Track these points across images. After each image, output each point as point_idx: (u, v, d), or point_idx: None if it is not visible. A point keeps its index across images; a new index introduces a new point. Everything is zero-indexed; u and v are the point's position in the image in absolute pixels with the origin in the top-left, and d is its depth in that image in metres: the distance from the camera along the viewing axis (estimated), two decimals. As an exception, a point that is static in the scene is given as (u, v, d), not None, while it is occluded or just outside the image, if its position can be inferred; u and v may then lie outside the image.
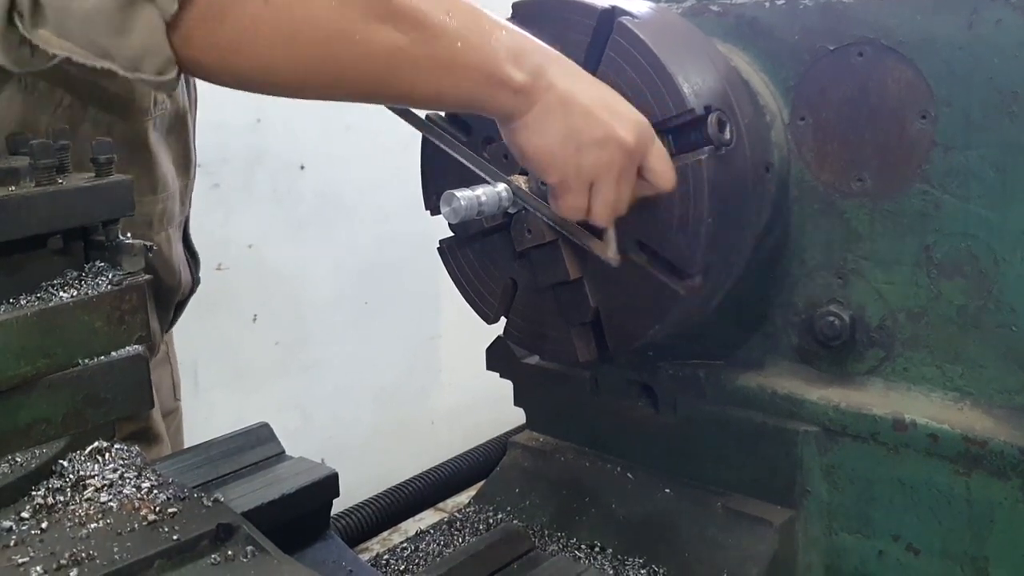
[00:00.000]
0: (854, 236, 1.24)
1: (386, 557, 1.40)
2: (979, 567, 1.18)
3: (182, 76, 0.90)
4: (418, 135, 1.40)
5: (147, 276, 0.88)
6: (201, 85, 1.55)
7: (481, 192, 1.07)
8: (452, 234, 1.34)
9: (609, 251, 1.10)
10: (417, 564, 1.37)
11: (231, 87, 0.93)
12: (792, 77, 1.24)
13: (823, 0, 1.21)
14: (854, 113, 1.20)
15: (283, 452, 1.17)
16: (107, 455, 0.84)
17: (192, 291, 1.55)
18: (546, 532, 1.41)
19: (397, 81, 0.93)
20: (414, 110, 1.15)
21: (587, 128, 0.99)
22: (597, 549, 1.35)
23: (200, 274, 1.57)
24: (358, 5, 0.88)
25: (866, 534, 1.25)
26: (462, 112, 1.20)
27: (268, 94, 0.94)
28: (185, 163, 1.45)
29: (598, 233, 1.11)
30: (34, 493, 0.79)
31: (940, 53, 1.13)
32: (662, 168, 1.05)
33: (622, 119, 1.01)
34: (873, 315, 1.24)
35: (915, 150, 1.17)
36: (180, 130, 1.41)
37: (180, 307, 1.55)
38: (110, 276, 0.86)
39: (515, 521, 1.43)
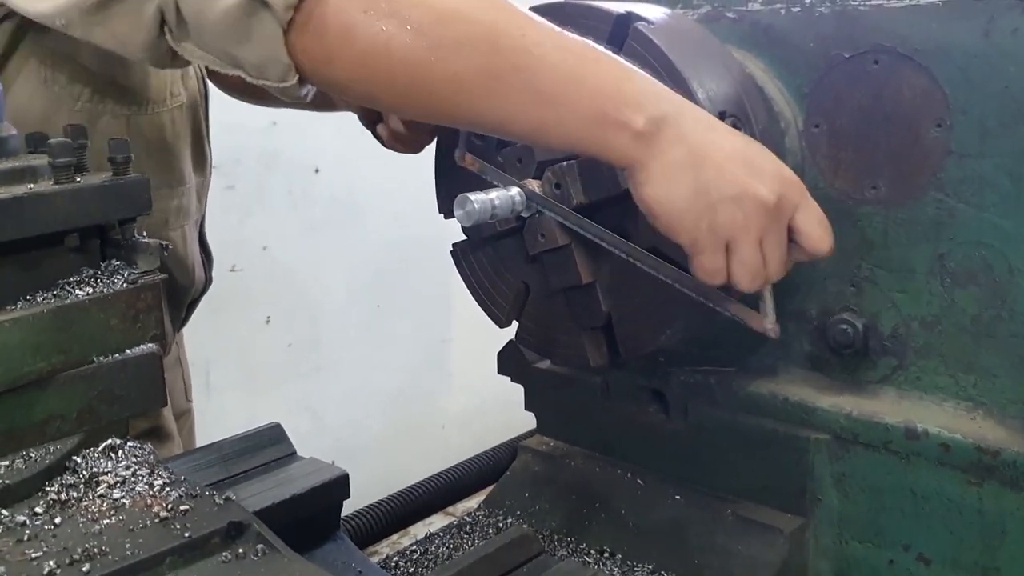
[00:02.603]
0: (868, 244, 1.23)
1: (395, 559, 1.40)
2: (990, 578, 1.17)
3: (303, 93, 0.95)
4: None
5: (162, 275, 0.89)
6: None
7: (495, 195, 1.07)
8: (465, 237, 1.34)
9: (767, 322, 1.02)
10: (426, 567, 1.37)
11: (342, 97, 0.98)
12: (807, 84, 1.24)
13: (839, 8, 1.20)
14: (869, 121, 1.20)
15: (294, 453, 1.17)
16: (120, 452, 0.85)
17: (204, 290, 1.56)
18: (555, 537, 1.41)
19: (492, 108, 0.91)
20: None
21: (720, 183, 0.92)
22: (606, 554, 1.35)
23: (213, 274, 1.58)
24: (457, 22, 0.88)
25: (877, 543, 1.24)
26: (575, 152, 1.10)
27: (374, 107, 0.97)
28: (201, 159, 1.46)
29: (753, 301, 1.03)
30: (48, 489, 0.80)
31: (956, 61, 1.13)
32: (814, 231, 0.97)
33: (762, 175, 0.94)
34: (886, 323, 1.24)
35: (930, 158, 1.17)
36: (196, 124, 1.42)
37: (192, 306, 1.56)
38: (126, 274, 0.87)
39: (524, 525, 1.42)
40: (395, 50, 0.87)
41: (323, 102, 1.50)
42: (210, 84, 1.52)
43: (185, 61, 0.96)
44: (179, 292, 1.46)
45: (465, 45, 0.88)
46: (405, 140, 1.36)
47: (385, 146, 1.40)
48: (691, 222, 0.93)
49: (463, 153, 1.19)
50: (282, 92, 0.93)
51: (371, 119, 1.40)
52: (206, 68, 1.41)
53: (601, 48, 0.96)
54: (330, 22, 0.87)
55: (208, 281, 1.56)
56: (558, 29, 0.94)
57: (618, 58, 0.96)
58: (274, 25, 0.87)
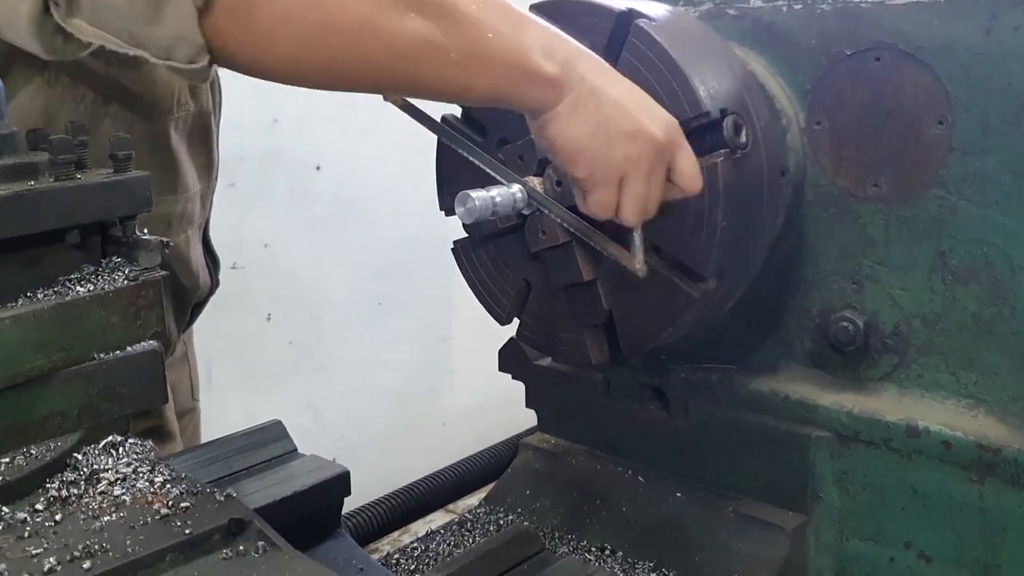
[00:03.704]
0: (869, 241, 1.23)
1: (396, 556, 1.40)
2: (991, 575, 1.17)
3: (211, 75, 0.90)
4: (434, 136, 1.41)
5: (163, 272, 0.89)
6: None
7: (496, 193, 1.07)
8: (466, 235, 1.34)
9: (636, 261, 1.08)
10: (427, 564, 1.37)
11: (260, 78, 0.93)
12: (809, 81, 1.24)
13: (840, 5, 1.20)
14: (871, 118, 1.20)
15: (295, 450, 1.17)
16: (121, 449, 0.85)
17: (211, 293, 1.55)
18: (556, 534, 1.41)
19: (426, 73, 0.92)
20: (429, 113, 1.15)
21: (618, 121, 0.98)
22: (607, 552, 1.35)
23: (219, 276, 1.57)
24: None
25: (878, 541, 1.24)
26: (491, 106, 1.16)
27: (296, 85, 0.94)
28: (207, 166, 1.45)
29: (623, 241, 1.09)
30: (48, 485, 0.80)
31: (958, 58, 1.13)
32: (690, 170, 1.04)
33: (652, 115, 1.00)
34: (887, 321, 1.24)
35: (932, 155, 1.17)
36: (203, 133, 1.41)
37: (198, 308, 1.55)
38: (127, 271, 0.87)
39: (525, 523, 1.42)
40: (335, 28, 0.86)
41: None
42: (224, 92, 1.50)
43: (79, 44, 0.87)
44: (183, 294, 1.46)
45: (398, 15, 0.87)
46: None
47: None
48: (590, 156, 0.99)
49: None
50: (187, 74, 0.87)
51: None
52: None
53: (508, 1, 0.96)
54: (261, 3, 0.84)
55: (215, 285, 1.55)
56: None
57: (522, 10, 0.98)
58: (188, 4, 0.82)
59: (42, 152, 0.87)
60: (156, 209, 0.89)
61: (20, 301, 0.80)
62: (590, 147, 0.98)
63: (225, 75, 1.50)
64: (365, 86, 0.96)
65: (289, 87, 0.96)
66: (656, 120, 1.00)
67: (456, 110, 1.29)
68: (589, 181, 1.01)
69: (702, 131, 1.10)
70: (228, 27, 0.85)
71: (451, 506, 1.83)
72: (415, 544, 1.43)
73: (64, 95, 1.19)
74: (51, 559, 0.70)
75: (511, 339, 1.49)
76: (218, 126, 1.48)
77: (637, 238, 1.07)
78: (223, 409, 2.46)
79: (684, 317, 1.17)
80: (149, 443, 0.87)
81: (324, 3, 0.85)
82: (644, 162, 0.99)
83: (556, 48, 0.96)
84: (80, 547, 0.72)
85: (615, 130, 0.98)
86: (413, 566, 1.37)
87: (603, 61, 1.02)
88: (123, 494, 0.80)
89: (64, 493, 0.79)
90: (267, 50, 0.87)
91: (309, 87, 0.97)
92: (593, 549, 1.36)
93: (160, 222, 1.33)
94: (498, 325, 1.36)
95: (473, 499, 1.81)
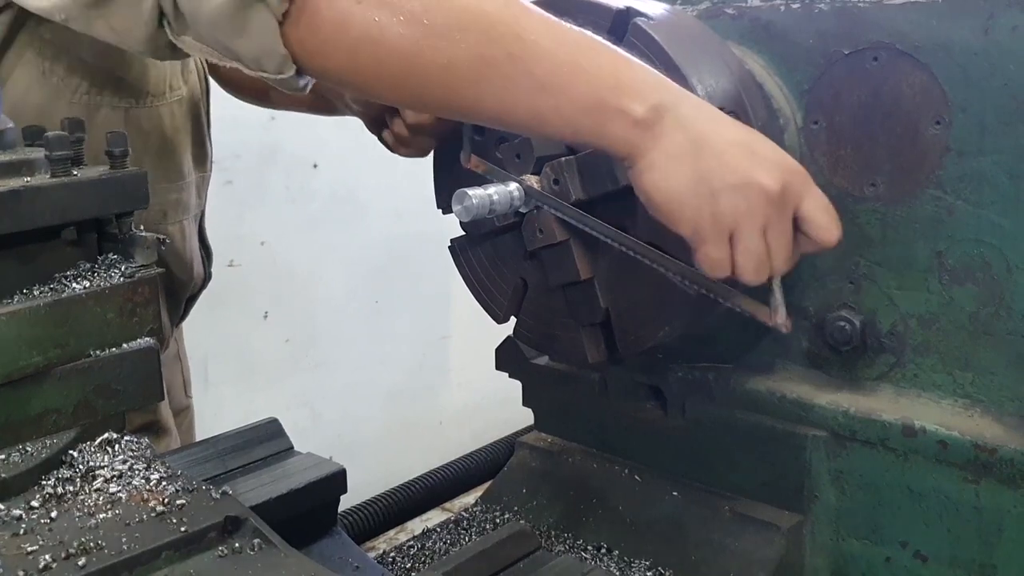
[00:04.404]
0: (866, 241, 1.23)
1: (392, 555, 1.40)
2: (987, 575, 1.17)
3: (305, 84, 0.96)
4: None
5: (160, 269, 0.89)
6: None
7: (493, 191, 1.07)
8: (463, 233, 1.34)
9: (778, 316, 1.00)
10: (423, 562, 1.37)
11: (334, 87, 0.99)
12: (806, 81, 1.24)
13: (838, 4, 1.20)
14: (868, 118, 1.20)
15: (291, 448, 1.17)
16: (117, 446, 0.85)
17: (203, 286, 1.56)
18: (553, 533, 1.41)
19: (487, 97, 0.91)
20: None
21: (721, 171, 0.91)
22: (604, 550, 1.35)
23: (212, 269, 1.58)
24: (450, 10, 0.88)
25: (874, 540, 1.25)
26: (572, 142, 1.09)
27: (360, 96, 0.98)
28: (202, 154, 1.45)
29: (761, 296, 1.01)
30: (44, 482, 0.80)
31: (956, 58, 1.13)
32: (820, 219, 0.95)
33: (765, 163, 0.93)
34: (884, 320, 1.24)
35: (929, 155, 1.17)
36: (195, 119, 1.42)
37: (191, 302, 1.55)
38: (123, 268, 0.87)
39: (522, 521, 1.42)
40: (387, 39, 0.88)
41: (322, 106, 1.51)
42: (211, 79, 1.52)
43: (185, 53, 0.97)
44: (177, 287, 1.46)
45: (456, 32, 0.88)
46: (410, 144, 1.36)
47: (391, 151, 1.40)
48: (693, 211, 0.92)
49: (468, 155, 1.19)
50: (280, 84, 0.93)
51: (377, 125, 1.40)
52: (207, 64, 1.41)
53: (599, 38, 0.96)
54: (324, 14, 0.88)
55: (207, 277, 1.56)
56: (554, 18, 0.94)
57: (616, 48, 0.96)
58: (269, 17, 0.87)
59: (39, 148, 0.87)
60: (152, 198, 0.90)
61: (16, 298, 0.80)
62: (691, 201, 0.91)
63: (223, 72, 1.50)
64: (427, 106, 0.98)
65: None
66: (769, 169, 0.92)
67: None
68: (695, 238, 0.94)
69: (700, 130, 1.10)
70: (300, 36, 0.89)
71: (447, 504, 1.84)
72: (411, 542, 1.43)
73: (59, 86, 1.19)
74: (46, 556, 0.70)
75: (508, 338, 1.49)
76: (208, 114, 1.48)
77: (777, 293, 1.00)
78: (220, 406, 2.46)
79: (681, 316, 1.17)
80: (145, 440, 0.87)
81: (382, 12, 0.87)
82: (756, 216, 0.92)
83: (649, 89, 0.92)
84: (76, 544, 0.72)
85: (718, 183, 0.91)
86: (409, 564, 1.37)
87: (709, 105, 0.97)
88: (119, 491, 0.80)
89: (60, 490, 0.79)
90: (328, 57, 0.90)
91: (375, 99, 1.00)
92: (589, 548, 1.36)
93: (155, 211, 1.33)
94: (495, 324, 1.36)
95: (469, 497, 1.81)
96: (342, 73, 0.92)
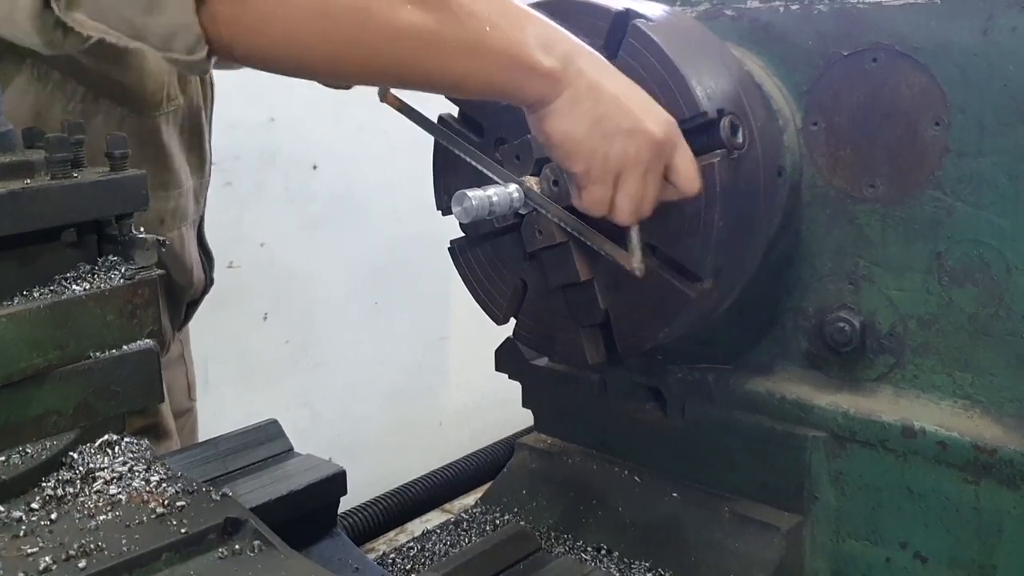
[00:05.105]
0: (866, 242, 1.23)
1: (392, 556, 1.40)
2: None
3: (210, 66, 0.89)
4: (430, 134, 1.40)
5: (159, 271, 0.89)
6: (217, 83, 1.56)
7: (493, 192, 1.07)
8: (463, 234, 1.34)
9: (634, 260, 1.08)
10: (423, 564, 1.37)
11: (257, 66, 0.93)
12: (806, 82, 1.24)
13: (837, 5, 1.20)
14: (867, 118, 1.20)
15: (291, 449, 1.17)
16: (117, 448, 0.85)
17: (205, 291, 1.55)
18: (553, 534, 1.41)
19: (424, 63, 0.92)
20: (425, 114, 1.14)
21: (616, 117, 0.98)
22: (604, 551, 1.35)
23: (214, 275, 1.57)
24: None
25: (873, 541, 1.25)
26: (487, 99, 1.15)
27: (296, 76, 0.95)
28: (200, 161, 1.45)
29: (620, 241, 1.08)
30: (44, 484, 0.80)
31: (955, 59, 1.13)
32: (688, 170, 1.03)
33: (652, 114, 1.00)
34: (883, 321, 1.24)
35: (928, 156, 1.17)
36: (194, 128, 1.41)
37: (193, 306, 1.55)
38: (123, 270, 0.87)
39: (521, 522, 1.42)
40: (331, 14, 0.87)
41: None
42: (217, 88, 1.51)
43: (80, 38, 0.86)
44: (177, 293, 1.46)
45: (396, 4, 0.88)
46: None
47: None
48: (587, 151, 0.99)
49: (385, 91, 1.16)
50: (188, 66, 0.87)
51: None
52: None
53: None
54: None
55: (209, 283, 1.55)
56: None
57: (523, 4, 0.98)
58: None
59: (38, 150, 0.86)
60: (150, 206, 0.89)
61: (16, 300, 0.80)
62: (587, 142, 0.98)
63: (222, 74, 1.50)
64: (361, 75, 0.97)
65: (286, 85, 0.96)
66: (655, 119, 1.00)
67: (453, 109, 1.29)
68: (585, 177, 1.01)
69: (699, 131, 1.10)
70: (225, 13, 0.85)
71: (447, 506, 1.84)
72: (411, 543, 1.43)
73: (54, 91, 1.19)
74: (47, 558, 0.70)
75: (508, 339, 1.49)
76: (210, 122, 1.48)
77: (635, 237, 1.07)
78: (219, 408, 2.46)
79: (680, 317, 1.17)
80: (145, 442, 0.87)
81: None
82: (641, 160, 0.99)
83: (555, 43, 0.97)
84: (76, 546, 0.71)
85: (613, 126, 0.98)
86: (409, 566, 1.37)
87: (602, 58, 1.02)
88: (119, 493, 0.80)
89: (60, 492, 0.79)
90: (263, 33, 0.87)
91: (311, 78, 0.97)
92: (589, 549, 1.36)
93: (153, 219, 1.33)
94: (495, 325, 1.36)
95: (469, 499, 1.81)
96: (277, 51, 0.89)
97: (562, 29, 0.99)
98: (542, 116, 0.99)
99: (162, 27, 0.84)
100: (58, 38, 0.86)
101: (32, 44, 0.88)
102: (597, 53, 1.02)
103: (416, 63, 0.92)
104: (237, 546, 0.76)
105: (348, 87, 1.10)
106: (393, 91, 1.16)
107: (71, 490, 0.79)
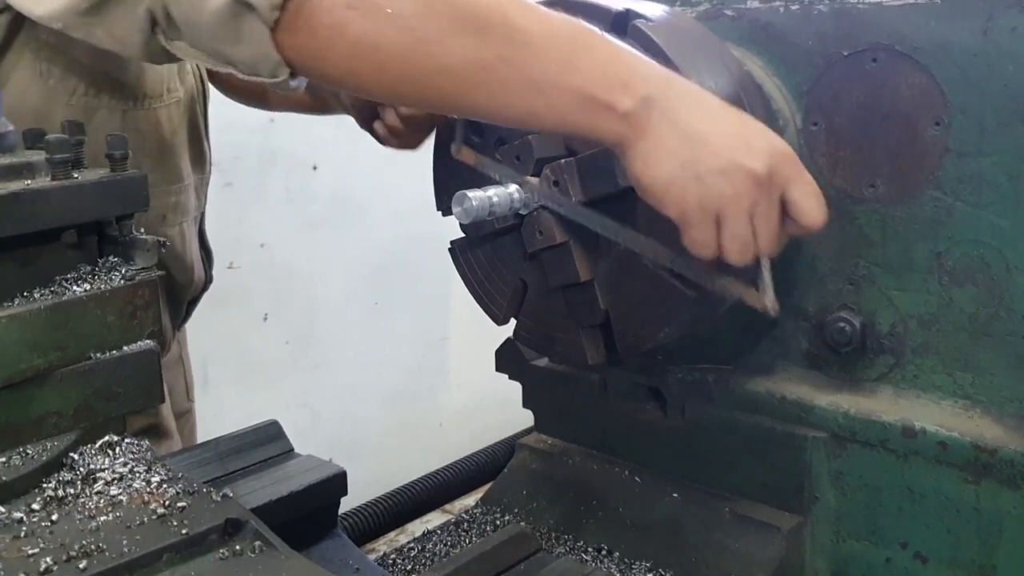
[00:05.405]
0: (866, 242, 1.23)
1: (392, 557, 1.40)
2: (987, 576, 1.17)
3: (301, 85, 1.00)
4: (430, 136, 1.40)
5: (160, 272, 0.89)
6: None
7: (493, 192, 1.07)
8: (463, 235, 1.34)
9: (766, 299, 1.02)
10: (424, 564, 1.37)
11: (332, 87, 1.01)
12: (805, 82, 1.24)
13: (837, 5, 1.20)
14: (867, 119, 1.20)
15: (292, 450, 1.17)
16: (117, 449, 0.85)
17: (204, 289, 1.55)
18: (553, 534, 1.41)
19: (479, 98, 0.92)
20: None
21: (706, 158, 0.93)
22: (604, 552, 1.35)
23: (213, 272, 1.58)
24: (443, 14, 0.89)
25: (874, 541, 1.25)
26: (566, 135, 1.13)
27: (363, 97, 1.00)
28: (199, 156, 1.45)
29: (749, 278, 1.02)
30: (45, 485, 0.80)
31: (955, 60, 1.13)
32: (806, 204, 0.96)
33: (752, 148, 0.94)
34: (884, 321, 1.24)
35: (928, 156, 1.17)
36: (192, 121, 1.42)
37: (192, 305, 1.55)
38: (123, 271, 0.87)
39: (522, 523, 1.42)
40: (383, 45, 0.89)
41: (317, 105, 1.51)
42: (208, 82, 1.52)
43: (177, 58, 0.99)
44: (178, 290, 1.46)
45: (450, 37, 0.89)
46: (402, 137, 1.36)
47: (382, 144, 1.41)
48: (678, 195, 0.94)
49: (459, 147, 1.19)
50: (276, 86, 0.95)
51: (367, 119, 1.40)
52: (206, 68, 1.42)
53: (589, 28, 0.96)
54: (317, 20, 0.88)
55: (208, 280, 1.56)
56: (545, 11, 0.95)
57: (607, 37, 0.97)
58: (260, 26, 0.89)
59: (39, 151, 0.87)
60: (151, 201, 0.90)
61: (16, 301, 0.81)
62: (676, 185, 0.94)
63: (222, 74, 1.50)
64: (420, 105, 1.00)
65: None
66: (756, 154, 0.94)
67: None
68: (683, 221, 0.96)
69: (699, 132, 1.10)
70: (294, 42, 0.90)
71: (448, 506, 1.84)
72: (411, 544, 1.43)
73: (56, 87, 1.19)
74: (47, 559, 0.70)
75: (508, 339, 1.49)
76: (206, 116, 1.48)
77: (765, 275, 1.01)
78: (220, 408, 2.46)
79: (681, 317, 1.17)
80: (146, 443, 0.87)
81: (376, 18, 0.88)
82: (741, 199, 0.93)
83: (637, 80, 0.93)
84: (76, 547, 0.72)
85: (704, 168, 0.93)
86: (409, 566, 1.37)
87: (698, 89, 0.98)
88: (120, 494, 0.80)
89: (60, 493, 0.79)
90: (326, 61, 0.92)
91: (373, 99, 1.01)
92: (590, 549, 1.36)
93: (154, 215, 1.33)
94: (495, 325, 1.36)
95: (470, 499, 1.81)
96: (339, 77, 0.94)
97: (648, 60, 0.96)
98: (629, 160, 0.95)
99: (247, 56, 0.92)
100: (164, 59, 1.00)
101: (138, 59, 1.06)
102: (691, 84, 0.98)
103: (473, 97, 0.92)
104: (238, 547, 0.76)
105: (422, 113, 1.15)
106: (466, 147, 1.18)
107: (72, 491, 0.80)
